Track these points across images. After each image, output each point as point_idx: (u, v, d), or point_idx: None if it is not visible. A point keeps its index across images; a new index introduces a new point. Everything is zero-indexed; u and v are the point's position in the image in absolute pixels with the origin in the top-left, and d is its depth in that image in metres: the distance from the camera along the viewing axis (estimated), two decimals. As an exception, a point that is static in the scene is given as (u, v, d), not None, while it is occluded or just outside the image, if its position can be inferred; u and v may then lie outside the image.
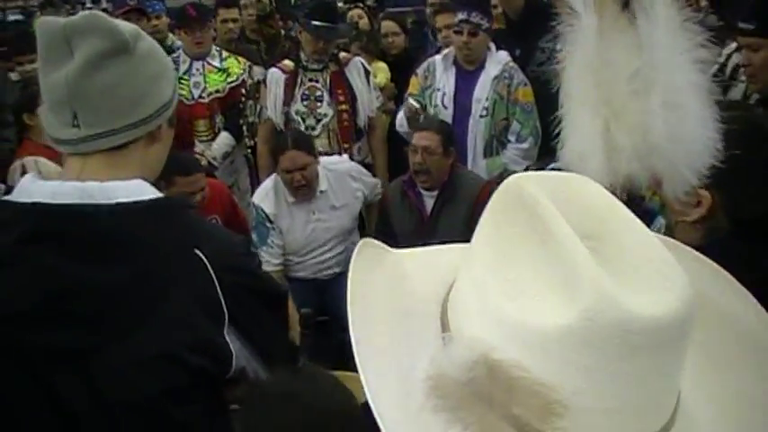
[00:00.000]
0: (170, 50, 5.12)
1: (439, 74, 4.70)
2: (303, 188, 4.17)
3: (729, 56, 4.23)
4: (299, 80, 4.78)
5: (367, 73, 4.94)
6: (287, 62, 4.83)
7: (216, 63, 4.95)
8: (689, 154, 1.32)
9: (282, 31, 6.44)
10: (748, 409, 0.89)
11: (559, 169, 1.33)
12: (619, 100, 1.30)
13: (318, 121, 4.75)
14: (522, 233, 0.82)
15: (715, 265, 1.06)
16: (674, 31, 1.29)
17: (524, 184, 0.84)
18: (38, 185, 1.54)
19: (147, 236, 1.52)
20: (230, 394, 1.66)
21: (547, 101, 4.55)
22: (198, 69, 4.90)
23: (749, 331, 0.96)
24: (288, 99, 4.77)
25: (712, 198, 1.64)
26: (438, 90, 4.68)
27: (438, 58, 4.80)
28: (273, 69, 4.87)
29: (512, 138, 4.63)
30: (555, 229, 0.79)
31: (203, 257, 1.54)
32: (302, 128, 4.71)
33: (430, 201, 4.24)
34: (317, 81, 4.78)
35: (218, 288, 1.55)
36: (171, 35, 5.74)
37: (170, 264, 1.53)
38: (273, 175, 4.34)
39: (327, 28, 4.64)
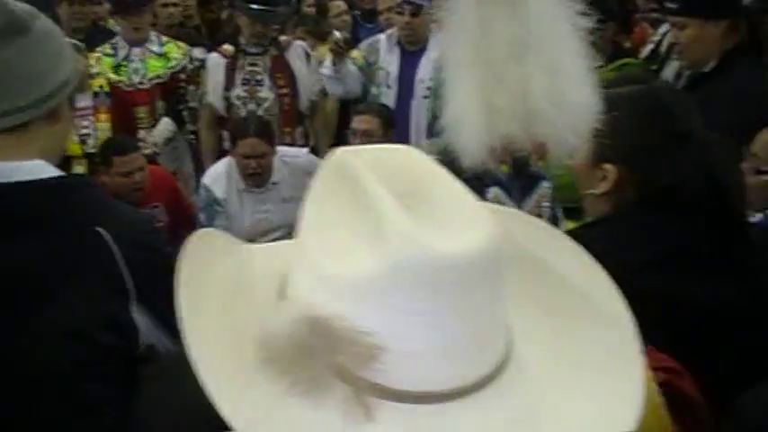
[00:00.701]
0: (112, 34, 5.05)
1: (383, 53, 4.71)
2: (256, 176, 4.16)
3: (664, 35, 4.30)
4: (239, 64, 4.75)
5: (308, 56, 4.91)
6: (227, 47, 4.81)
7: (155, 48, 4.89)
8: (571, 118, 1.34)
9: (223, 15, 6.37)
10: (576, 350, 0.91)
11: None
12: (497, 62, 1.31)
13: (259, 105, 4.72)
14: (339, 197, 0.85)
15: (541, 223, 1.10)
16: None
17: (346, 156, 0.88)
18: None
19: (48, 214, 1.52)
20: (142, 372, 1.65)
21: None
22: (137, 55, 4.84)
23: (569, 279, 0.99)
24: (229, 84, 4.74)
25: (618, 172, 1.67)
26: (382, 69, 4.69)
27: (382, 37, 4.81)
28: (213, 54, 4.85)
29: (454, 119, 4.64)
30: (367, 189, 0.83)
31: (106, 234, 1.54)
32: (243, 112, 4.69)
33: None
34: (257, 65, 4.75)
35: (121, 265, 1.54)
36: (111, 20, 5.66)
37: (71, 242, 1.53)
38: (227, 159, 4.31)
39: (265, 11, 4.61)
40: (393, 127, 4.25)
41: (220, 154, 4.69)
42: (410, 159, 0.90)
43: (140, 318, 1.58)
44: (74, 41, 3.97)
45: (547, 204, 1.55)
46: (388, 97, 4.63)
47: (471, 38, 1.31)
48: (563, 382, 0.89)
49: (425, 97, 4.59)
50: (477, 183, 1.51)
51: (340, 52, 4.66)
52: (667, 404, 1.28)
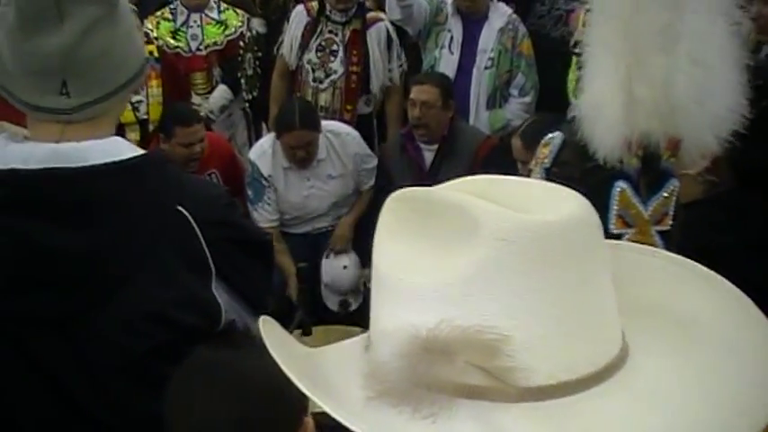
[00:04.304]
0: (163, 4, 5.02)
1: (449, 15, 4.59)
2: (304, 161, 4.13)
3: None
4: (318, 29, 4.63)
5: (389, 40, 4.69)
6: (313, 3, 4.65)
7: (214, 15, 4.86)
8: (713, 118, 1.28)
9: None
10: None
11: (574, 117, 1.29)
12: (645, 52, 1.27)
13: (328, 75, 4.62)
14: (409, 222, 0.82)
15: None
16: None
17: (403, 191, 0.86)
18: (12, 149, 1.49)
19: (126, 196, 1.48)
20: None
21: (545, 54, 4.56)
22: (195, 21, 4.82)
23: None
24: (304, 44, 4.63)
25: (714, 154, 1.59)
26: (448, 32, 4.58)
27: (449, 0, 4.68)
28: (300, 7, 4.71)
29: (514, 91, 4.58)
30: (441, 197, 0.81)
31: (185, 213, 1.51)
32: (310, 78, 4.60)
33: (429, 154, 4.20)
34: (336, 34, 4.63)
35: (203, 243, 1.52)
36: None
37: (151, 223, 1.50)
38: (271, 136, 4.27)
39: None
40: (452, 97, 4.17)
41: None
42: (468, 180, 0.88)
43: (221, 294, 1.56)
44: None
45: (674, 203, 1.50)
46: (450, 62, 4.53)
47: (622, 25, 1.26)
48: (681, 380, 0.82)
49: (487, 68, 4.50)
50: (604, 173, 1.45)
51: None
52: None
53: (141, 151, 1.55)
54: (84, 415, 1.52)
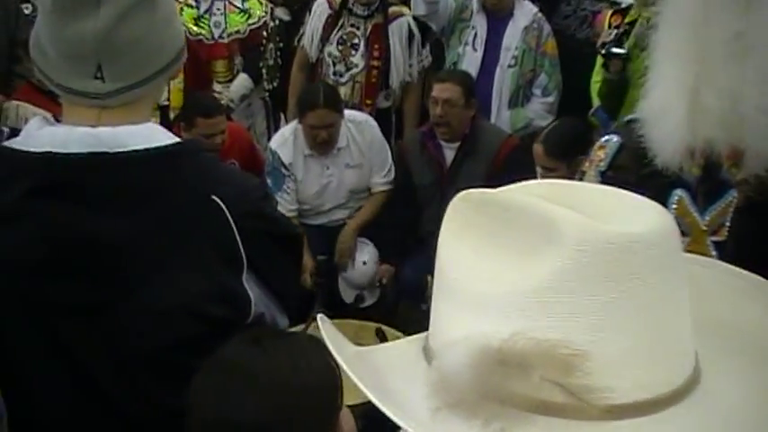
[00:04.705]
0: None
1: (474, 12, 4.56)
2: (325, 145, 4.11)
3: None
4: (340, 22, 4.61)
5: (411, 35, 4.65)
6: None
7: (238, 3, 4.83)
8: None
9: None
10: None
11: (633, 121, 1.27)
12: (714, 60, 1.24)
13: (348, 69, 4.60)
14: (479, 228, 0.79)
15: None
16: None
17: (471, 193, 0.83)
18: (47, 132, 1.48)
19: (162, 184, 1.47)
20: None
21: (570, 55, 4.54)
22: (219, 9, 4.79)
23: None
24: (324, 37, 4.61)
25: None
26: (472, 28, 4.55)
27: None
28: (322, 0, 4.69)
29: (537, 91, 4.56)
30: (517, 202, 0.77)
31: (220, 203, 1.49)
32: (330, 71, 4.59)
33: (450, 153, 4.18)
34: (357, 28, 4.61)
35: (236, 234, 1.50)
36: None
37: (186, 212, 1.48)
38: (294, 123, 4.26)
39: None
40: (474, 96, 4.15)
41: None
42: (539, 184, 0.85)
43: (252, 287, 1.55)
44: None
45: (731, 214, 1.47)
46: (473, 60, 4.50)
47: (692, 32, 1.24)
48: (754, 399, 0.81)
49: (510, 66, 4.49)
50: (662, 180, 1.43)
51: None
52: None
53: (176, 138, 1.54)
54: (108, 403, 1.52)
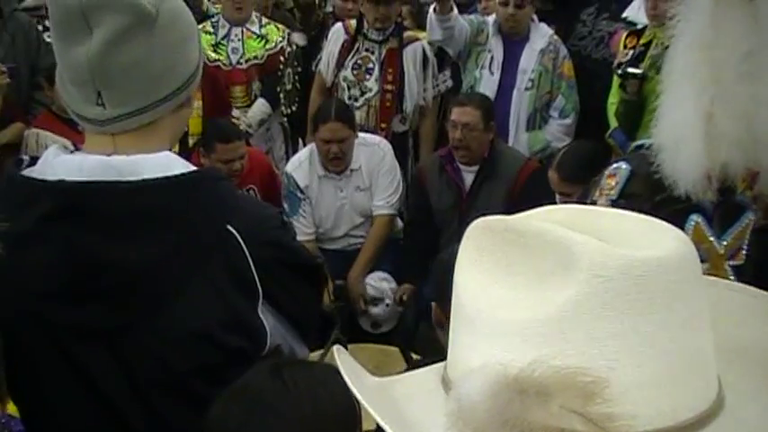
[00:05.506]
0: (205, 17, 5.03)
1: (490, 36, 4.58)
2: (337, 160, 4.13)
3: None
4: (356, 47, 4.65)
5: (425, 59, 4.69)
6: (351, 22, 4.69)
7: (255, 29, 4.88)
8: None
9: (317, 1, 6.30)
10: None
11: (642, 147, 1.26)
12: (728, 81, 1.23)
13: (363, 93, 4.63)
14: (494, 254, 0.79)
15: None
16: None
17: (487, 221, 0.82)
18: (62, 160, 1.48)
19: (177, 212, 1.46)
20: None
21: (586, 76, 4.54)
22: (237, 35, 4.84)
23: None
24: (340, 61, 4.66)
25: None
26: (489, 52, 4.57)
27: (489, 19, 4.67)
28: (338, 25, 4.76)
29: (554, 113, 4.56)
30: (534, 229, 0.76)
31: (235, 233, 1.48)
32: (346, 95, 4.62)
33: (469, 176, 4.17)
34: (372, 52, 4.65)
35: (251, 264, 1.49)
36: (206, 1, 5.66)
37: (201, 240, 1.48)
38: (310, 146, 4.29)
39: None
40: (493, 119, 4.15)
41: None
42: (554, 209, 0.85)
43: (268, 318, 1.54)
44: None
45: (748, 237, 1.45)
46: (490, 83, 4.52)
47: (703, 50, 1.23)
48: None
49: (527, 89, 4.49)
50: (677, 206, 1.41)
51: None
52: None
53: (192, 167, 1.53)
54: (124, 426, 1.51)
